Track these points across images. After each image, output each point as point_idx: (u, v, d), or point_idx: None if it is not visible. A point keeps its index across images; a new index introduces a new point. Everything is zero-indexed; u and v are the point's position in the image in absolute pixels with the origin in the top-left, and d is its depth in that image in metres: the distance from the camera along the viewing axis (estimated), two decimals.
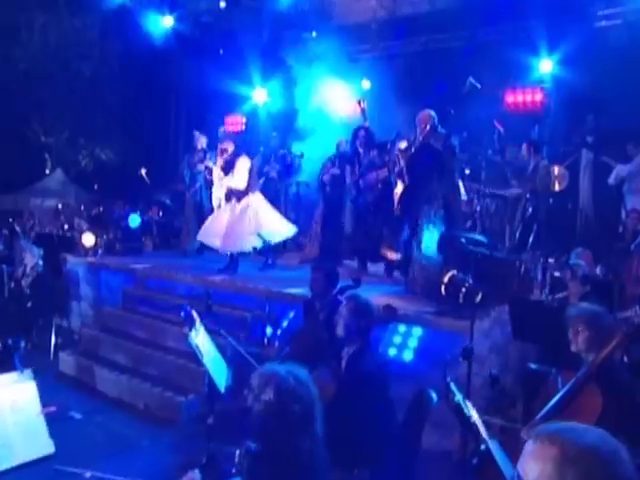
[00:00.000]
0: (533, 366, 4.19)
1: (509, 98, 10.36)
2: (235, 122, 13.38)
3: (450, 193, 6.50)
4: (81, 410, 5.45)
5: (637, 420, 3.18)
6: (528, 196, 7.56)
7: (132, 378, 5.85)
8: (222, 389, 3.81)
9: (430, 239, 6.05)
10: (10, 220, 10.06)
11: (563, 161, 9.79)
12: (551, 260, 7.37)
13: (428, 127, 6.43)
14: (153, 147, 14.69)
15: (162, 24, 12.92)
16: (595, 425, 3.27)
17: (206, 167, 8.01)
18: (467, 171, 8.76)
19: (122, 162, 16.00)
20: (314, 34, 12.57)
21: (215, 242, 7.23)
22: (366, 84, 11.92)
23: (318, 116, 11.68)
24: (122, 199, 11.95)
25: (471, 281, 5.11)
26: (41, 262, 7.28)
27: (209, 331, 4.38)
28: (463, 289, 5.03)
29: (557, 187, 9.65)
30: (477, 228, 8.05)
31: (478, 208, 7.94)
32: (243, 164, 7.28)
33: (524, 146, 7.74)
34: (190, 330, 3.93)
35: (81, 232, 8.87)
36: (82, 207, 11.82)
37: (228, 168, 7.27)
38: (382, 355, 3.82)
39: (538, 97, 10.20)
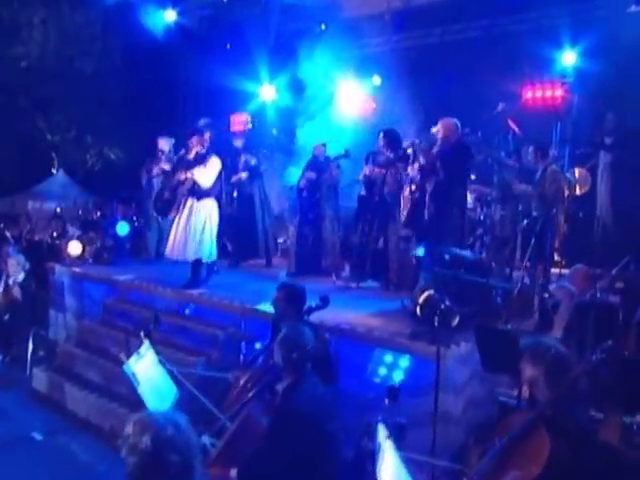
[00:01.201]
0: (502, 398, 4.11)
1: (527, 94, 10.16)
2: (240, 121, 13.46)
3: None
4: (44, 431, 5.58)
5: (592, 467, 3.10)
6: (534, 204, 7.38)
7: (101, 397, 5.97)
8: None
9: None
10: (1, 225, 10.32)
11: (585, 163, 9.59)
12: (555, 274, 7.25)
13: (452, 138, 6.38)
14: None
15: (165, 18, 13.10)
16: (543, 473, 3.21)
17: (163, 171, 8.15)
18: (473, 176, 8.64)
19: (131, 162, 16.26)
20: (323, 27, 12.57)
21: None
22: (377, 80, 11.87)
23: (326, 114, 11.69)
24: (128, 202, 12.14)
25: (448, 303, 5.05)
26: (22, 275, 7.46)
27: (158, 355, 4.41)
28: (438, 311, 4.98)
29: (578, 191, 9.47)
30: (484, 238, 7.95)
31: (482, 217, 7.82)
32: (215, 163, 7.28)
33: (530, 150, 7.60)
34: (130, 357, 3.97)
35: (70, 240, 9.04)
36: (80, 211, 12.01)
37: (200, 161, 7.25)
38: (320, 388, 3.77)
39: (559, 93, 9.98)
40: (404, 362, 5.16)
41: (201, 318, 6.60)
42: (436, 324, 4.95)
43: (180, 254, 7.07)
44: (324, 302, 5.08)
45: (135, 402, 5.81)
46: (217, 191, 7.44)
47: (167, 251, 7.22)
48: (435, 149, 6.57)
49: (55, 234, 9.54)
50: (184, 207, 7.19)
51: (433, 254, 5.70)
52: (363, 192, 7.76)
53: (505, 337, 3.86)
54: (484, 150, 9.85)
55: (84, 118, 16.40)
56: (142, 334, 4.26)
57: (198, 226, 7.10)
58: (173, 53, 14.13)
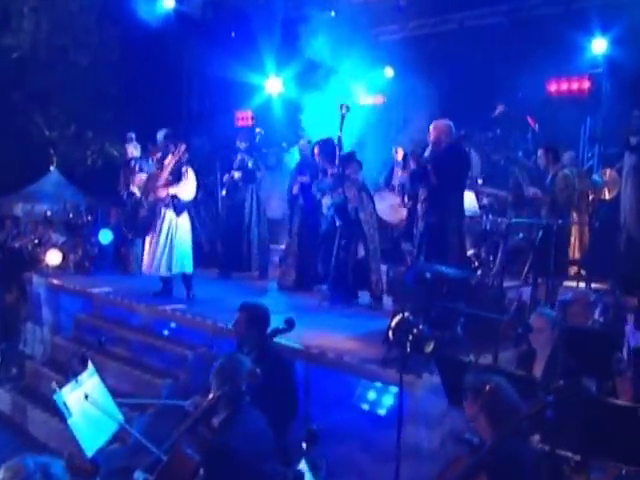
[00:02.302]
0: (467, 435, 4.14)
1: (551, 87, 10.07)
2: (244, 116, 13.62)
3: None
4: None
5: None
6: (544, 212, 7.34)
7: (62, 422, 6.12)
8: (89, 454, 3.97)
9: None
10: None
11: (615, 163, 9.46)
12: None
13: (444, 142, 6.40)
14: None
15: (164, 6, 13.31)
16: None
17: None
18: (480, 181, 8.62)
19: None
20: (333, 14, 12.62)
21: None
22: (389, 72, 11.89)
23: (333, 108, 11.72)
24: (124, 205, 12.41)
25: (422, 327, 5.08)
26: None
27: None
28: (410, 336, 5.01)
29: (607, 195, 9.35)
30: (491, 248, 7.94)
31: (488, 225, 7.80)
32: (193, 175, 7.70)
33: (540, 152, 7.55)
34: (64, 385, 4.10)
35: (51, 247, 9.29)
36: (71, 215, 12.28)
37: (177, 175, 7.62)
38: (259, 424, 3.85)
39: (587, 85, 9.86)
40: (376, 391, 5.20)
41: (174, 337, 6.75)
42: (408, 349, 5.02)
43: (164, 269, 7.52)
44: (289, 325, 5.16)
45: None
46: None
47: (146, 268, 7.62)
48: (427, 153, 6.57)
49: (37, 240, 9.79)
50: (162, 222, 7.55)
51: (415, 270, 5.71)
52: (339, 222, 7.61)
53: (465, 369, 3.89)
54: (499, 150, 9.88)
55: (84, 113, 16.66)
56: (84, 358, 4.39)
57: (182, 240, 7.58)
58: (175, 43, 14.36)
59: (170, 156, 7.71)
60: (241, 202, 9.38)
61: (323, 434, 5.32)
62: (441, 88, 11.03)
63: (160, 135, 8.78)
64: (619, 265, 7.98)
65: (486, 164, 10.22)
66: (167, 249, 7.50)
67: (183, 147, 7.78)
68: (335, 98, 11.88)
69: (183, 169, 7.63)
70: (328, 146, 7.86)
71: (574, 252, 8.73)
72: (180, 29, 14.09)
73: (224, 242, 9.91)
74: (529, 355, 4.75)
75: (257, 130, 10.07)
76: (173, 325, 6.95)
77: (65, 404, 4.01)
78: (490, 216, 7.87)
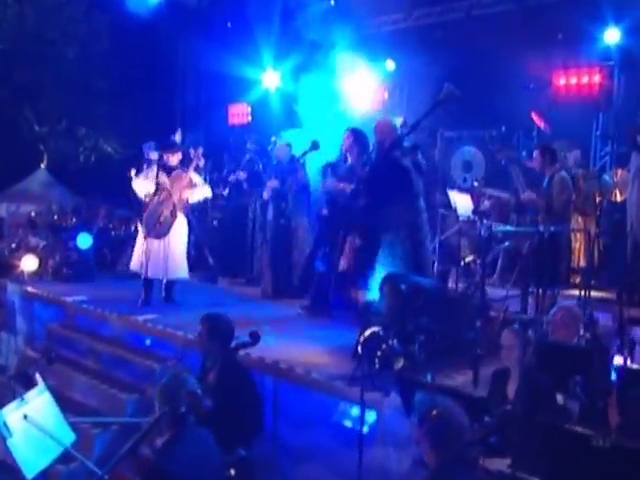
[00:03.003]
0: None
1: (559, 80, 10.06)
2: (239, 112, 13.73)
3: (415, 221, 6.50)
4: None
5: None
6: (540, 217, 7.35)
7: None
8: (28, 476, 4.08)
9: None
10: None
11: (628, 163, 9.42)
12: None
13: (388, 142, 6.44)
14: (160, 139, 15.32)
15: None
16: None
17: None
18: (475, 183, 8.64)
19: (129, 155, 16.71)
20: (332, 2, 12.68)
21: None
22: (391, 65, 11.92)
23: (329, 106, 11.79)
24: (120, 204, 12.53)
25: (392, 342, 5.15)
26: None
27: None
28: (379, 352, 5.08)
29: (619, 197, 9.34)
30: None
31: (482, 231, 7.81)
32: (194, 175, 8.09)
33: (536, 153, 7.55)
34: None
35: (28, 252, 9.46)
36: (56, 216, 12.46)
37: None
38: (205, 446, 3.94)
39: (597, 79, 9.84)
40: (344, 409, 5.27)
41: (144, 349, 6.86)
42: (377, 366, 5.09)
43: (161, 273, 7.84)
44: (253, 339, 5.26)
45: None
46: None
47: (140, 268, 7.84)
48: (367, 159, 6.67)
49: (14, 245, 9.98)
50: (171, 225, 7.84)
51: (389, 283, 5.76)
52: (325, 211, 7.80)
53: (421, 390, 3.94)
54: (504, 149, 9.88)
55: (75, 107, 16.88)
56: (28, 375, 4.50)
57: (180, 245, 7.94)
58: (168, 33, 14.53)
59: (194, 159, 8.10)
60: (244, 206, 9.49)
61: (290, 452, 5.48)
62: (446, 81, 11.08)
63: (179, 136, 9.14)
64: (625, 274, 7.97)
65: (490, 164, 10.26)
66: (173, 254, 7.84)
67: (200, 150, 8.30)
68: (333, 92, 12.07)
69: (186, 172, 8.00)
70: (364, 137, 7.60)
71: (579, 259, 8.74)
72: (173, 19, 14.24)
73: (220, 246, 10.06)
74: (503, 374, 4.79)
75: (272, 139, 10.18)
76: (146, 340, 7.07)
77: (5, 424, 4.11)
78: (485, 221, 7.84)
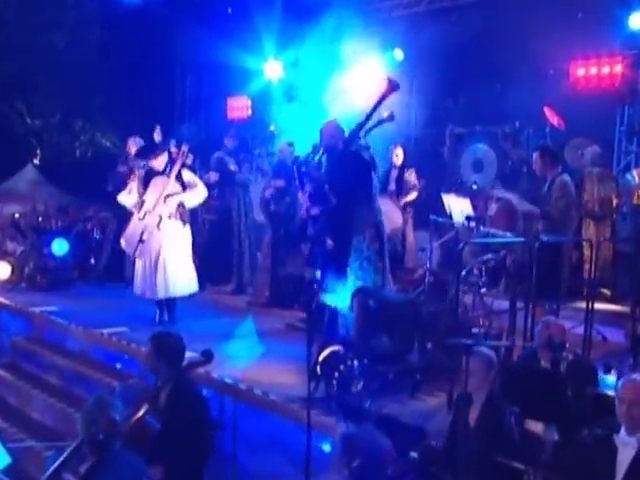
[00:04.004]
0: None
1: (577, 71, 10.07)
2: (239, 105, 13.94)
3: (379, 222, 6.64)
4: None
5: None
6: (541, 225, 7.43)
7: None
8: None
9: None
10: None
11: None
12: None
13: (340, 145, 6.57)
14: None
15: None
16: None
17: None
18: (474, 186, 8.73)
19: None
20: None
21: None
22: (399, 54, 11.99)
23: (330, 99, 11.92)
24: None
25: (352, 362, 5.29)
26: None
27: None
28: (337, 373, 5.24)
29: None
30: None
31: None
32: (187, 174, 8.02)
33: (536, 155, 7.60)
34: None
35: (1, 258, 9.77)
36: (40, 218, 12.75)
37: (180, 180, 7.94)
38: (129, 474, 4.13)
39: (619, 69, 9.82)
40: (301, 433, 5.42)
41: (107, 365, 7.10)
42: (334, 387, 5.25)
43: (162, 291, 7.75)
44: (207, 357, 5.43)
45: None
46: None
47: (139, 290, 7.85)
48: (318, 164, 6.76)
49: None
50: (160, 239, 7.77)
51: (357, 298, 5.91)
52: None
53: (360, 416, 4.10)
54: (513, 147, 9.96)
55: (68, 99, 17.22)
56: None
57: (177, 258, 7.82)
58: (164, 20, 14.76)
59: (178, 160, 7.96)
60: (226, 209, 9.68)
61: (248, 476, 5.66)
62: (462, 75, 11.18)
63: (158, 135, 9.21)
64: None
65: (502, 163, 10.33)
66: (156, 269, 7.69)
67: (186, 148, 8.04)
68: (335, 85, 12.19)
69: (184, 172, 7.94)
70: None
71: (591, 270, 8.75)
72: (169, 4, 14.48)
73: (205, 253, 10.28)
74: (464, 400, 4.89)
75: (271, 128, 10.31)
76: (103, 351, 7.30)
77: None
78: (482, 227, 7.93)
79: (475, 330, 6.39)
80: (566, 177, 7.45)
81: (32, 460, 6.08)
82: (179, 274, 7.77)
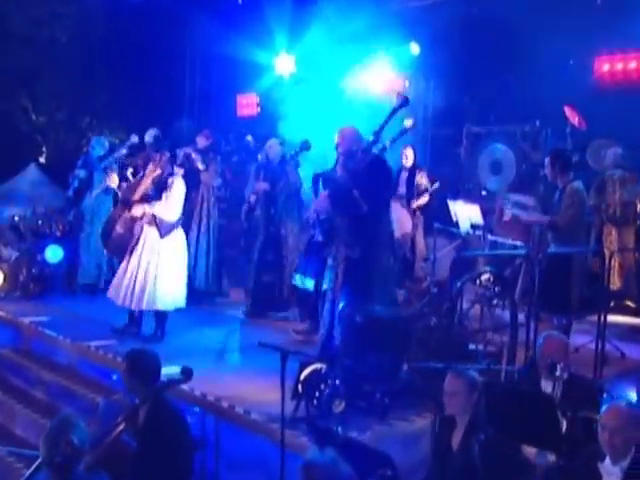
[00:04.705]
0: None
1: (603, 67, 10.11)
2: (248, 102, 14.16)
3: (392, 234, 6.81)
4: None
5: None
6: (550, 235, 7.51)
7: None
8: None
9: None
10: None
11: None
12: None
13: (356, 152, 6.71)
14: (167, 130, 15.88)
15: None
16: None
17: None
18: (483, 192, 8.83)
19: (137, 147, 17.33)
20: None
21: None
22: (415, 48, 12.12)
23: (340, 97, 12.09)
24: None
25: (335, 381, 5.45)
26: None
27: None
28: (317, 392, 5.39)
29: None
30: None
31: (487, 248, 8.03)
32: (179, 189, 7.90)
33: (547, 160, 7.66)
34: None
35: None
36: (40, 222, 13.02)
37: (160, 189, 7.87)
38: None
39: None
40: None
41: (94, 379, 7.32)
42: (315, 405, 5.41)
43: (136, 302, 7.78)
44: (186, 375, 5.60)
45: None
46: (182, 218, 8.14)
47: (112, 293, 7.92)
48: (339, 170, 6.85)
49: None
50: (142, 243, 7.84)
51: (345, 313, 6.07)
52: (319, 237, 7.88)
53: (330, 439, 4.25)
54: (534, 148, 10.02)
55: (76, 95, 17.55)
56: None
57: (163, 270, 7.80)
58: (171, 12, 15.03)
59: (151, 165, 8.04)
60: (189, 211, 9.83)
61: None
62: (476, 67, 11.25)
63: (149, 137, 9.39)
64: None
65: (522, 165, 10.39)
66: (143, 278, 7.74)
67: (165, 156, 8.03)
68: (349, 80, 12.35)
69: (169, 181, 7.86)
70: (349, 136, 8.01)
71: (615, 281, 8.79)
72: None
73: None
74: (447, 422, 5.02)
75: (248, 139, 10.46)
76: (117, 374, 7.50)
77: None
78: (490, 236, 8.06)
79: (472, 346, 6.49)
80: (577, 184, 7.47)
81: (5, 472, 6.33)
82: (165, 286, 7.82)
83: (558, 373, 5.28)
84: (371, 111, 11.08)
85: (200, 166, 9.81)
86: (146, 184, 7.94)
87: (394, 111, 6.86)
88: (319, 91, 12.41)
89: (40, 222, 13.23)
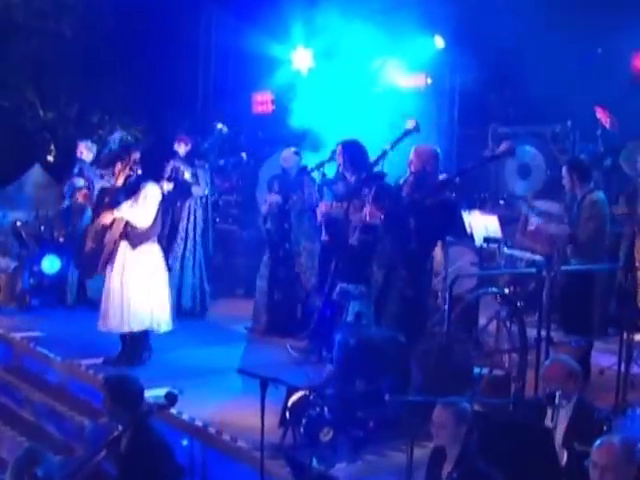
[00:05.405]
0: None
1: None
2: (263, 100, 14.34)
3: None
4: None
5: None
6: (569, 250, 7.60)
7: None
8: None
9: None
10: None
11: None
12: None
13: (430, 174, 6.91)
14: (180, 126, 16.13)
15: None
16: None
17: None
18: (501, 201, 8.90)
19: (152, 145, 17.59)
20: None
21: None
22: (440, 41, 12.20)
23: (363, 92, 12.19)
24: None
25: (323, 409, 5.62)
26: None
27: None
28: (303, 419, 5.57)
29: None
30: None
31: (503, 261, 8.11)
32: (154, 193, 7.90)
33: (564, 170, 7.75)
34: None
35: None
36: (42, 227, 13.30)
37: (130, 192, 7.93)
38: None
39: None
40: None
41: (82, 400, 7.56)
42: (301, 431, 5.59)
43: (115, 324, 7.88)
44: (170, 400, 5.80)
45: None
46: (158, 230, 8.15)
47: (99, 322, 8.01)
48: (406, 190, 6.99)
49: None
50: (116, 259, 7.89)
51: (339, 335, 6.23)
52: (325, 237, 8.32)
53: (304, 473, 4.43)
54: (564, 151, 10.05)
55: (88, 90, 17.85)
56: None
57: (136, 287, 7.85)
58: (183, 4, 15.30)
59: (119, 165, 8.13)
60: (175, 224, 10.05)
61: None
62: (504, 62, 11.30)
63: (113, 142, 9.58)
64: None
65: (551, 169, 10.43)
66: (120, 297, 7.80)
67: (135, 156, 8.14)
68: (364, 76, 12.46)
69: (141, 184, 7.88)
70: (355, 152, 8.23)
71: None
72: None
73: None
74: (439, 454, 5.15)
75: (219, 126, 10.56)
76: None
77: None
78: (506, 249, 8.13)
79: (477, 370, 6.61)
80: (596, 195, 7.55)
81: None
82: (140, 306, 7.85)
83: (557, 401, 5.39)
84: (393, 107, 11.43)
85: (188, 177, 10.01)
86: (114, 187, 8.13)
87: (406, 133, 7.03)
88: (338, 86, 12.51)
89: (42, 228, 13.49)
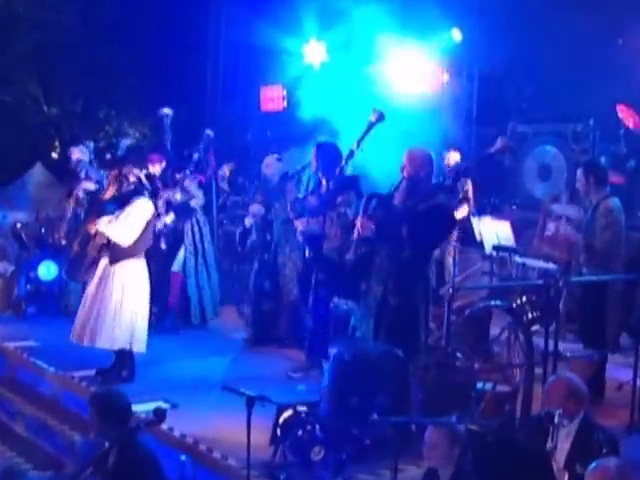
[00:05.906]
0: None
1: None
2: (273, 95, 14.47)
3: None
4: None
5: None
6: (582, 258, 7.67)
7: None
8: None
9: None
10: None
11: None
12: None
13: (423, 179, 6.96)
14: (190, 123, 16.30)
15: None
16: None
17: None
18: (514, 207, 8.98)
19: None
20: None
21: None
22: (457, 35, 12.28)
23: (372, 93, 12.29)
24: None
25: (314, 427, 5.76)
26: None
27: None
28: (293, 437, 5.71)
29: None
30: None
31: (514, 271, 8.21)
32: (140, 210, 7.95)
33: (579, 173, 7.79)
34: None
35: None
36: (43, 229, 13.50)
37: (118, 204, 7.97)
38: None
39: None
40: None
41: (74, 414, 7.74)
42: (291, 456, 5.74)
43: (89, 338, 7.92)
44: (158, 417, 5.95)
45: None
46: (146, 247, 8.20)
47: (72, 332, 8.10)
48: (398, 197, 7.00)
49: None
50: (96, 270, 8.01)
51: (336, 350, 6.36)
52: (310, 253, 8.37)
53: None
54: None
55: (93, 84, 18.08)
56: None
57: (113, 300, 7.88)
58: None
59: (114, 172, 8.28)
60: (180, 233, 10.19)
61: None
62: (524, 57, 11.36)
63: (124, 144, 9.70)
64: None
65: (573, 170, 10.46)
66: (95, 311, 7.89)
67: (132, 171, 8.12)
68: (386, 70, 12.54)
69: (131, 199, 7.92)
70: (329, 154, 8.32)
71: None
72: None
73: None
74: (431, 475, 5.27)
75: (207, 132, 10.71)
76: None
77: None
78: (518, 258, 8.22)
79: (480, 385, 6.70)
80: (612, 202, 7.56)
81: None
82: (117, 322, 7.89)
83: (557, 421, 5.45)
84: (409, 104, 11.51)
85: (179, 197, 10.05)
86: (105, 197, 8.18)
87: (370, 127, 7.09)
88: (351, 81, 12.60)
89: (43, 230, 13.67)
